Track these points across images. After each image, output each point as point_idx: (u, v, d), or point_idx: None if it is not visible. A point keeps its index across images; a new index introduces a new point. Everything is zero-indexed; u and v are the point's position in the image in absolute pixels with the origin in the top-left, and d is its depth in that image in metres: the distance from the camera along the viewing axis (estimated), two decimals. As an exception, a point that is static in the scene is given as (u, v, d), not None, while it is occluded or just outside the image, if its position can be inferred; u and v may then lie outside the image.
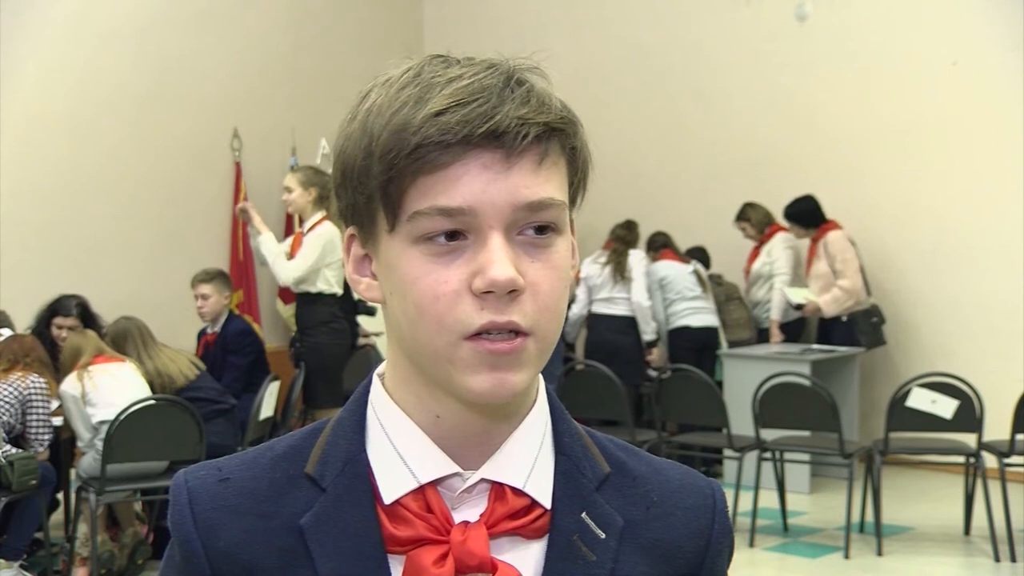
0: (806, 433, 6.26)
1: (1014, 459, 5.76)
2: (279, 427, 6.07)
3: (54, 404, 5.34)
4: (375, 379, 1.00)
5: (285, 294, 8.19)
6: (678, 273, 7.69)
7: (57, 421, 5.43)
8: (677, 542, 1.00)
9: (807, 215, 7.62)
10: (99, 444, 5.02)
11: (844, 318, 7.48)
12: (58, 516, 5.91)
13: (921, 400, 5.81)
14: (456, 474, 0.94)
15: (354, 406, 0.99)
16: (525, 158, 0.89)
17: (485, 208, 0.88)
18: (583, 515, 0.97)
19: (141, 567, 5.40)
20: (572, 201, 0.96)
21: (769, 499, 6.36)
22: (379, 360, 2.11)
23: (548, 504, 0.96)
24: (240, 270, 8.57)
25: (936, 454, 6.20)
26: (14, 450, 5.14)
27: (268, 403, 5.86)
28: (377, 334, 7.22)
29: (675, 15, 8.90)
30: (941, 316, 7.70)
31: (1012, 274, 7.32)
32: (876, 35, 7.92)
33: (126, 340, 5.52)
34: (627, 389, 6.75)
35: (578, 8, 9.38)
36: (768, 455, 6.24)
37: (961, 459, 6.06)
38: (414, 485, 0.94)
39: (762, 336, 7.96)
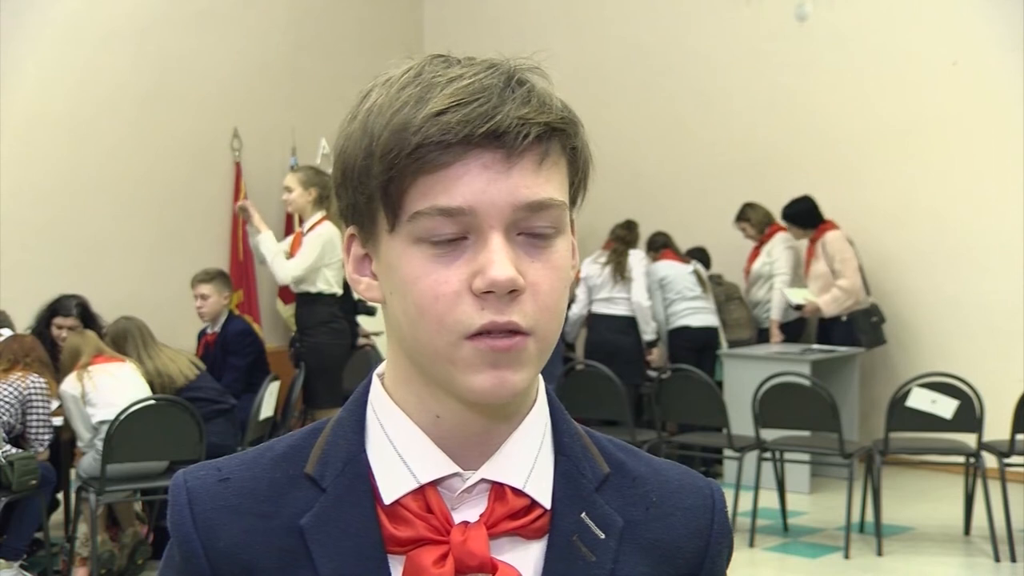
0: (806, 433, 6.26)
1: (1014, 459, 5.76)
2: (279, 427, 6.07)
3: (54, 404, 5.34)
4: (375, 379, 1.00)
5: (285, 294, 8.19)
6: (678, 273, 7.68)
7: (57, 421, 5.42)
8: (676, 542, 1.00)
9: (804, 215, 7.61)
10: (99, 444, 5.02)
11: (844, 318, 7.48)
12: (58, 516, 5.91)
13: (921, 400, 5.81)
14: (456, 474, 0.94)
15: (354, 406, 0.99)
16: (526, 158, 0.89)
17: (485, 208, 0.88)
18: (583, 515, 0.96)
19: (141, 567, 5.40)
20: (572, 201, 0.96)
21: (769, 499, 6.36)
22: (379, 360, 2.10)
23: (548, 504, 0.96)
24: (240, 270, 8.56)
25: (936, 454, 6.20)
26: (14, 450, 5.14)
27: (268, 403, 5.86)
28: (377, 334, 7.22)
29: (675, 15, 8.90)
30: (941, 316, 7.69)
31: (1012, 274, 7.31)
32: (876, 35, 7.92)
33: (126, 340, 5.51)
34: (627, 389, 6.74)
35: (578, 8, 9.38)
36: (768, 455, 6.24)
37: (961, 459, 6.06)
38: (414, 485, 0.93)
39: (762, 336, 7.96)
